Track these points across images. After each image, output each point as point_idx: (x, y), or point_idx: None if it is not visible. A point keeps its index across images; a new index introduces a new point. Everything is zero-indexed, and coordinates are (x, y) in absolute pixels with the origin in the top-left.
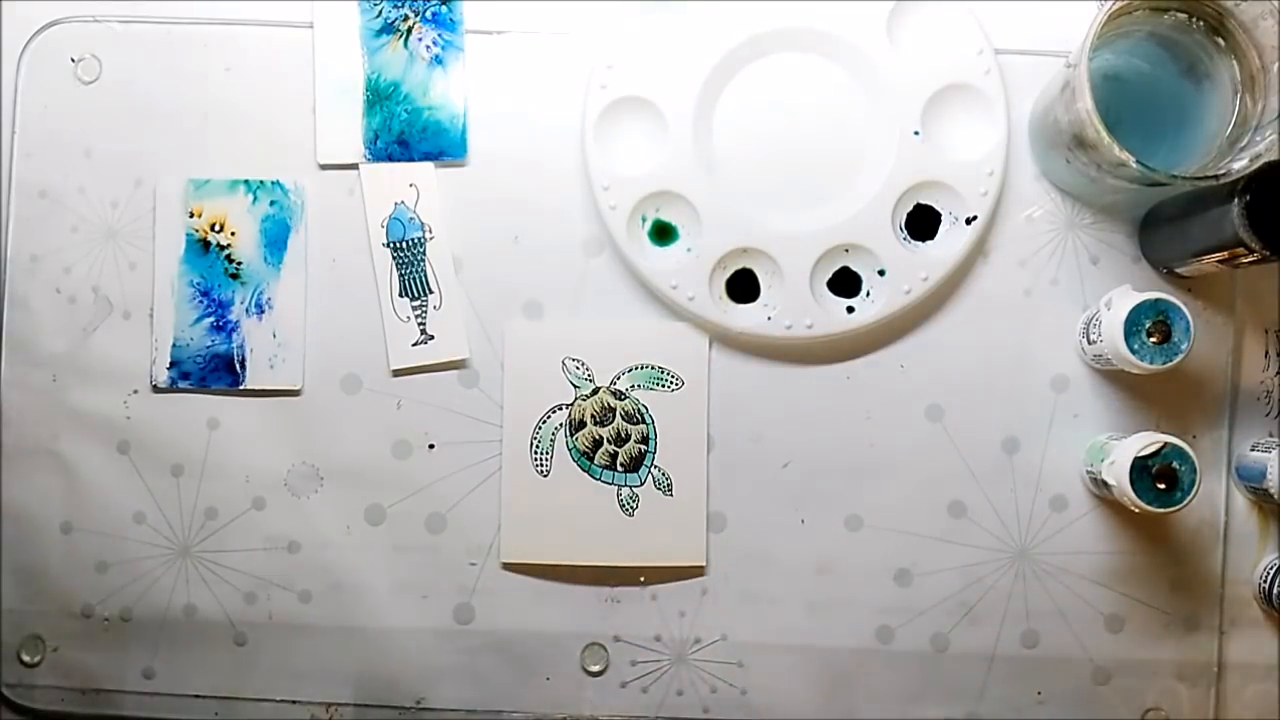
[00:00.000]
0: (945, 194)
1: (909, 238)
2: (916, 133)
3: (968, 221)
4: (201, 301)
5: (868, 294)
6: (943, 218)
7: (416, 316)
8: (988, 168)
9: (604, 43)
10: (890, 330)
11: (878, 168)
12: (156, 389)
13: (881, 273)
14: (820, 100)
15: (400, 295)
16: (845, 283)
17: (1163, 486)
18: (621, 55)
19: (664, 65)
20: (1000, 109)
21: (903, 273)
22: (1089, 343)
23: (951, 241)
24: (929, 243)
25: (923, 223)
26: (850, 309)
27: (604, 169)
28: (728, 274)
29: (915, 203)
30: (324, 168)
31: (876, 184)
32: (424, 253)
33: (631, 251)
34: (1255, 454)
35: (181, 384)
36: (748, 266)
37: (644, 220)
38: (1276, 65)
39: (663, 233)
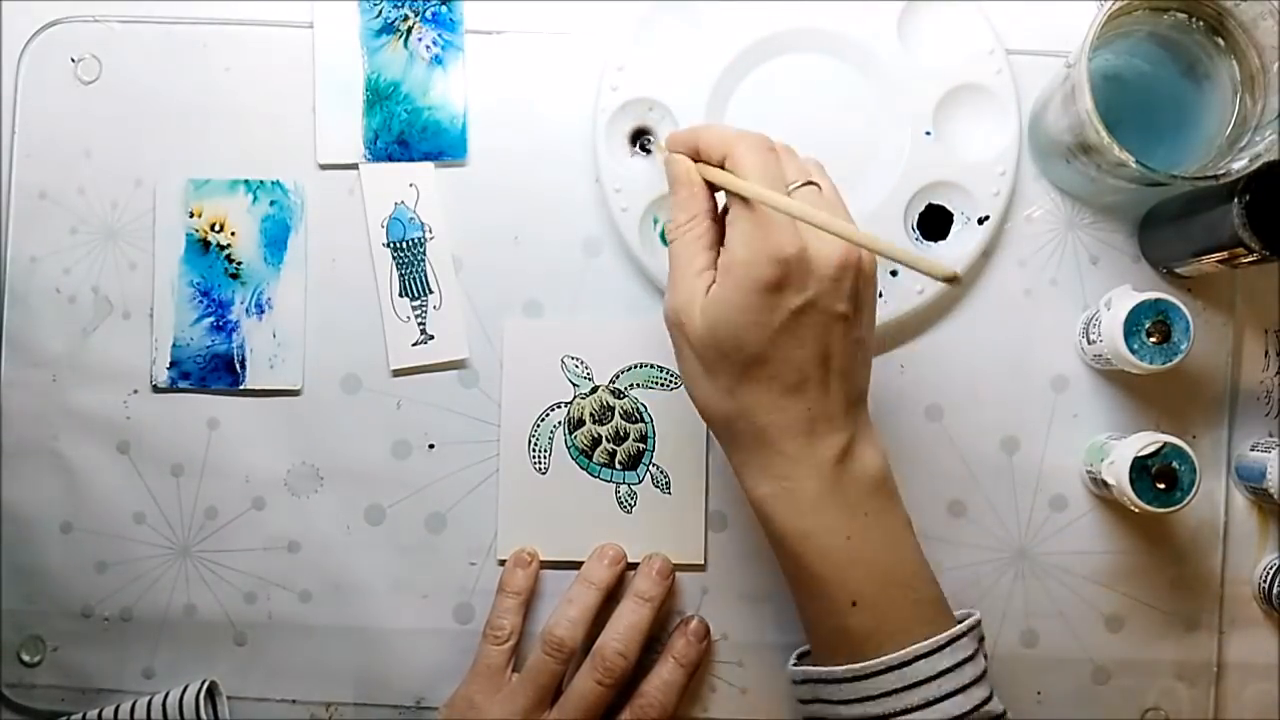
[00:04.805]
0: (957, 194)
1: (921, 238)
2: (928, 133)
3: (980, 221)
4: (201, 301)
5: (880, 294)
6: (955, 218)
7: (416, 316)
8: (999, 168)
9: (613, 44)
10: (899, 331)
11: (889, 168)
12: (156, 389)
13: (893, 273)
14: (831, 101)
15: (400, 295)
16: None
17: (1162, 486)
18: (632, 57)
19: (675, 67)
20: (1012, 109)
21: (915, 273)
22: (1089, 343)
23: (964, 241)
24: (941, 243)
25: (935, 223)
26: None
27: (616, 171)
28: None
29: (927, 203)
30: (324, 168)
31: (888, 184)
32: (424, 253)
33: (643, 253)
34: (1255, 454)
35: (181, 384)
36: None
37: (655, 222)
38: (1276, 65)
39: None
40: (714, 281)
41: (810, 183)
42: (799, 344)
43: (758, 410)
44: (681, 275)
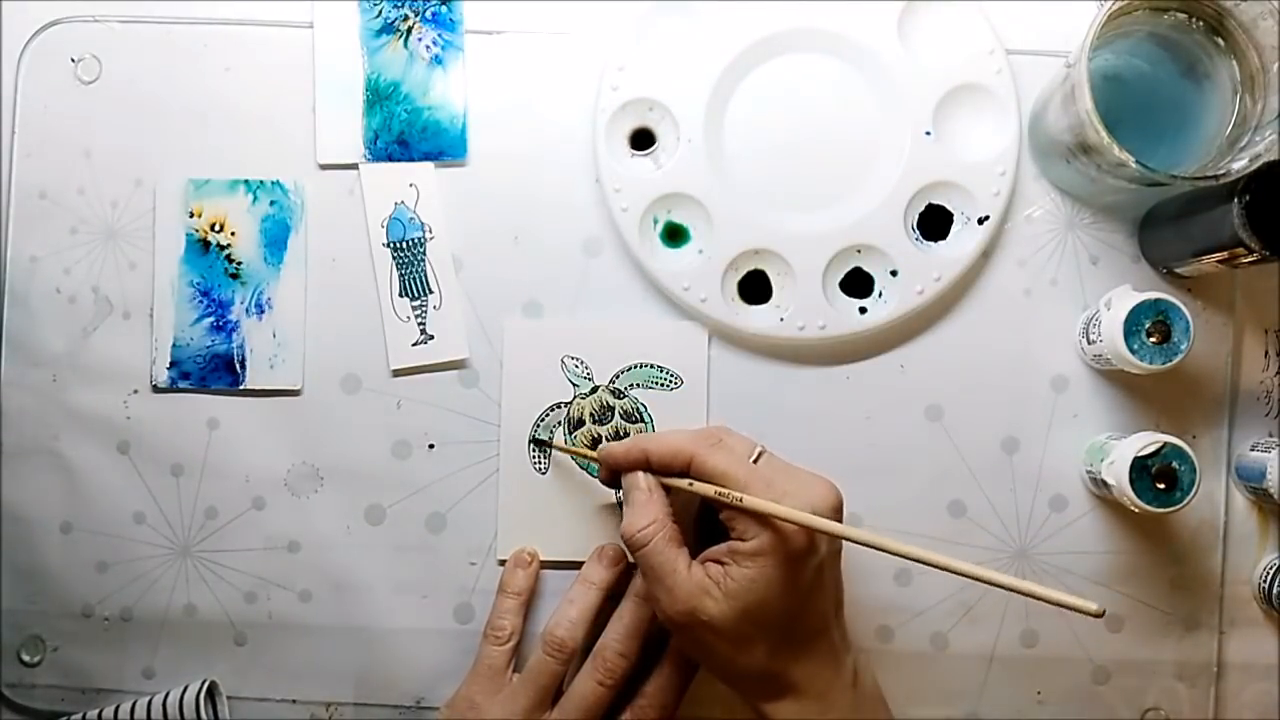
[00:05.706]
0: (957, 194)
1: (921, 238)
2: (928, 133)
3: (979, 221)
4: (201, 301)
5: (880, 294)
6: (955, 218)
7: (416, 316)
8: (999, 168)
9: (612, 44)
10: (900, 331)
11: (889, 168)
12: (156, 389)
13: (894, 273)
14: (831, 101)
15: (400, 295)
16: (857, 283)
17: (1162, 486)
18: (632, 57)
19: (675, 67)
20: (1012, 109)
21: (915, 273)
22: (1089, 343)
23: (964, 241)
24: (941, 243)
25: (935, 223)
26: (863, 309)
27: (616, 171)
28: (740, 275)
29: (927, 203)
30: (324, 168)
31: (888, 184)
32: (424, 253)
33: (643, 253)
34: (1255, 454)
35: (181, 384)
36: (760, 268)
37: (655, 222)
38: (1276, 65)
39: (674, 235)
40: (719, 571)
41: (760, 450)
42: (822, 593)
43: (793, 665)
44: (674, 577)
